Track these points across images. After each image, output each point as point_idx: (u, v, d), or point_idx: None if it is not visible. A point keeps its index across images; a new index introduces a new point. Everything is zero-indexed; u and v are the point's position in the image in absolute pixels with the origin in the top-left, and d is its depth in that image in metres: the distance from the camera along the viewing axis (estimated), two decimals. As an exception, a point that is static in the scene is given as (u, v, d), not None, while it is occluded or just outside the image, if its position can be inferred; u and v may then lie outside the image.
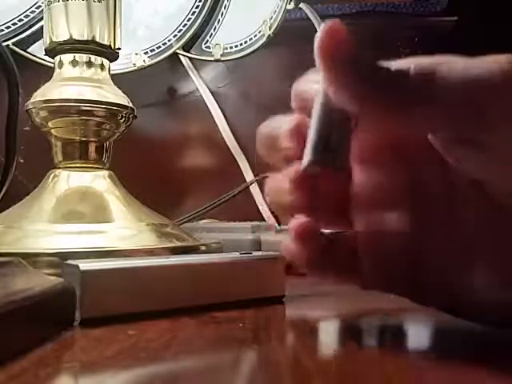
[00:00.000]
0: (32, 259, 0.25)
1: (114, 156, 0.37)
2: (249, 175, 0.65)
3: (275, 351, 0.18)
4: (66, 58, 0.35)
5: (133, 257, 0.27)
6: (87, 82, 0.34)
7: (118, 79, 0.38)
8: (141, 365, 0.16)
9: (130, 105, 0.36)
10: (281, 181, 0.19)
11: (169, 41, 0.55)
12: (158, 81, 0.65)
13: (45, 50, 0.35)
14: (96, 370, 0.16)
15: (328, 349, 0.19)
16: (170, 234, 0.34)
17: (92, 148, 0.35)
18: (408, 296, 0.20)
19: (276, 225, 0.49)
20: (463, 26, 0.62)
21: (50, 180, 0.34)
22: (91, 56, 0.35)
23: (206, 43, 0.57)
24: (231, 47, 0.57)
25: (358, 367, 0.16)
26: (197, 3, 0.55)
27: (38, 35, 0.49)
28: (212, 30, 0.57)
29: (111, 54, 0.36)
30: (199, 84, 0.67)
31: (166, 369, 0.16)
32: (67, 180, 0.34)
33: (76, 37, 0.34)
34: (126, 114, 0.35)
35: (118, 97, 0.35)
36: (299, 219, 0.18)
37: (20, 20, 0.49)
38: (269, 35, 0.55)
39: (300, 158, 0.18)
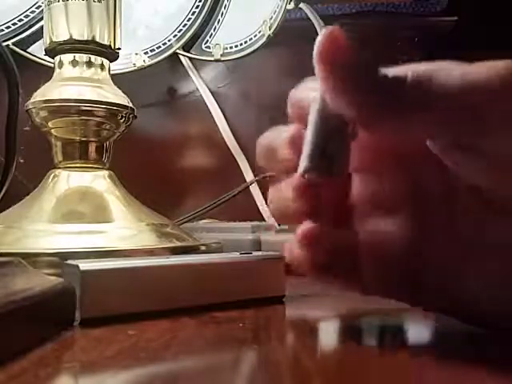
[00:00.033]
0: (32, 259, 0.25)
1: (114, 156, 0.37)
2: (249, 175, 0.65)
3: (275, 351, 0.18)
4: (66, 57, 0.35)
5: (133, 257, 0.27)
6: (87, 81, 0.34)
7: (118, 79, 0.38)
8: (141, 365, 0.16)
9: (130, 105, 0.36)
10: (283, 189, 0.19)
11: (169, 41, 0.55)
12: (158, 81, 0.65)
13: (45, 50, 0.35)
14: (96, 370, 0.16)
15: (328, 349, 0.19)
16: (170, 234, 0.34)
17: (92, 148, 0.35)
18: (408, 301, 0.20)
19: (276, 225, 0.49)
20: (463, 25, 0.62)
21: (49, 180, 0.34)
22: (91, 56, 0.35)
23: (206, 43, 0.57)
24: (231, 47, 0.57)
25: (358, 367, 0.16)
26: (197, 3, 0.55)
27: (38, 35, 0.49)
28: (212, 30, 0.57)
29: (111, 53, 0.36)
30: (199, 84, 0.67)
31: (165, 369, 0.16)
32: (67, 180, 0.34)
33: (76, 37, 0.34)
34: (126, 114, 0.35)
35: (118, 97, 0.35)
36: (306, 225, 0.18)
37: (20, 20, 0.49)
38: (269, 35, 0.55)
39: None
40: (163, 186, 0.65)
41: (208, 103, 0.67)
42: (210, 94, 0.67)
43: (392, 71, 0.16)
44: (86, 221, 0.32)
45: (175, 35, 0.55)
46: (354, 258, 0.19)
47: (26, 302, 0.17)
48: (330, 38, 0.16)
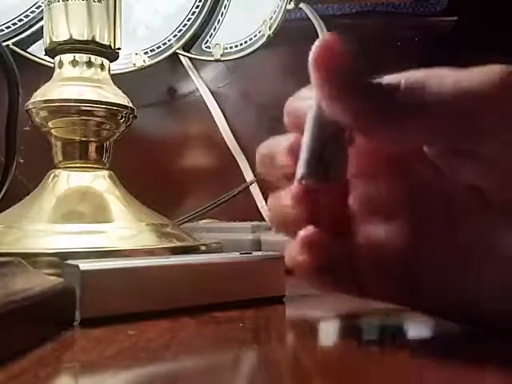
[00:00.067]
0: (32, 259, 0.25)
1: (114, 156, 0.37)
2: (249, 175, 0.65)
3: (275, 351, 0.18)
4: (66, 58, 0.35)
5: (133, 257, 0.27)
6: (87, 81, 0.34)
7: (118, 79, 0.38)
8: (141, 365, 0.16)
9: (130, 105, 0.36)
10: (282, 197, 0.19)
11: (169, 41, 0.55)
12: (158, 81, 0.65)
13: (45, 50, 0.35)
14: (96, 369, 0.16)
15: (328, 349, 0.19)
16: (170, 234, 0.34)
17: (92, 148, 0.35)
18: (408, 305, 0.20)
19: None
20: (463, 25, 0.62)
21: (49, 180, 0.34)
22: (91, 56, 0.35)
23: (206, 43, 0.57)
24: (231, 47, 0.57)
25: (358, 367, 0.16)
26: (197, 3, 0.55)
27: (38, 35, 0.49)
28: (212, 30, 0.57)
29: (111, 53, 0.36)
30: (199, 84, 0.67)
31: (165, 369, 0.16)
32: (67, 180, 0.34)
33: (76, 37, 0.34)
34: (126, 114, 0.35)
35: (118, 97, 0.35)
36: (307, 230, 0.18)
37: (20, 20, 0.49)
38: (269, 35, 0.55)
39: None
40: (163, 186, 0.65)
41: (208, 103, 0.67)
42: (209, 93, 0.67)
43: (386, 79, 0.16)
44: (86, 221, 0.32)
45: (175, 35, 0.55)
46: (354, 264, 0.19)
47: (26, 302, 0.17)
48: (326, 45, 0.16)
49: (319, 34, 0.48)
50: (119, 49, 0.36)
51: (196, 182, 0.67)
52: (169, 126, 0.69)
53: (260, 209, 0.63)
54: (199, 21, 0.55)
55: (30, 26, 0.49)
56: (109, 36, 0.35)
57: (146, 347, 0.18)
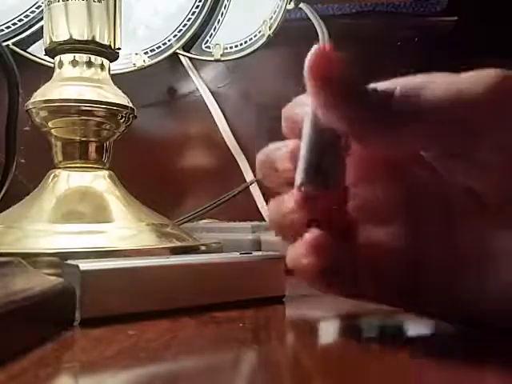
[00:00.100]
0: (32, 259, 0.25)
1: (114, 156, 0.37)
2: (249, 175, 0.65)
3: (275, 351, 0.18)
4: (66, 57, 0.35)
5: (133, 257, 0.27)
6: (87, 81, 0.34)
7: (118, 79, 0.38)
8: (141, 365, 0.16)
9: (130, 105, 0.36)
10: (282, 202, 0.19)
11: (169, 41, 0.55)
12: (158, 81, 0.65)
13: (45, 50, 0.35)
14: (96, 369, 0.16)
15: (328, 349, 0.19)
16: (170, 234, 0.34)
17: (92, 148, 0.35)
18: (408, 308, 0.20)
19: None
20: (463, 25, 0.62)
21: (49, 180, 0.34)
22: (91, 56, 0.35)
23: (206, 43, 0.57)
24: (231, 47, 0.57)
25: (358, 367, 0.16)
26: (197, 3, 0.55)
27: (38, 35, 0.49)
28: (212, 30, 0.57)
29: (111, 53, 0.36)
30: (199, 84, 0.67)
31: (165, 369, 0.16)
32: (67, 180, 0.34)
33: (76, 37, 0.34)
34: (126, 114, 0.35)
35: (118, 97, 0.35)
36: (313, 233, 0.18)
37: (20, 20, 0.49)
38: (269, 35, 0.55)
39: None
40: (163, 186, 0.65)
41: (208, 103, 0.67)
42: (209, 93, 0.67)
43: (381, 86, 0.17)
44: (86, 221, 0.32)
45: (175, 35, 0.55)
46: (355, 267, 0.19)
47: (26, 302, 0.17)
48: (321, 53, 0.16)
49: (319, 34, 0.48)
50: (119, 49, 0.36)
51: (196, 181, 0.67)
52: (169, 126, 0.69)
53: (260, 209, 0.63)
54: (199, 21, 0.55)
55: (30, 26, 0.49)
56: (109, 36, 0.35)
57: (146, 347, 0.18)
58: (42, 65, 0.49)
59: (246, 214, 0.56)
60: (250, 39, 0.56)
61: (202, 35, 0.57)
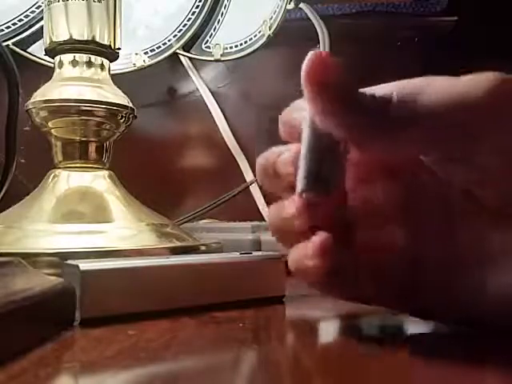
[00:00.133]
0: (32, 259, 0.25)
1: (114, 156, 0.37)
2: (249, 175, 0.65)
3: (275, 351, 0.18)
4: (66, 58, 0.35)
5: (133, 257, 0.27)
6: (87, 81, 0.34)
7: (118, 79, 0.38)
8: (141, 365, 0.16)
9: (130, 105, 0.36)
10: (283, 207, 0.19)
11: (169, 41, 0.55)
12: (158, 81, 0.65)
13: (45, 50, 0.35)
14: (96, 369, 0.16)
15: (328, 349, 0.19)
16: (170, 234, 0.34)
17: (92, 148, 0.35)
18: (408, 311, 0.20)
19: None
20: (463, 25, 0.62)
21: (50, 180, 0.34)
22: (91, 56, 0.35)
23: (206, 43, 0.57)
24: (231, 47, 0.57)
25: (358, 367, 0.16)
26: (197, 3, 0.55)
27: (38, 35, 0.49)
28: (212, 30, 0.57)
29: (111, 53, 0.36)
30: (199, 84, 0.67)
31: (165, 369, 0.16)
32: (67, 180, 0.34)
33: (76, 37, 0.34)
34: (126, 114, 0.35)
35: (118, 97, 0.35)
36: (321, 235, 0.18)
37: (20, 20, 0.49)
38: (269, 35, 0.55)
39: None
40: (163, 186, 0.65)
41: (208, 103, 0.67)
42: (209, 93, 0.67)
43: (378, 92, 0.16)
44: (86, 221, 0.32)
45: (175, 35, 0.55)
46: (356, 270, 0.19)
47: (26, 302, 0.17)
48: (318, 59, 0.16)
49: (319, 34, 0.48)
50: (119, 49, 0.36)
51: (196, 181, 0.67)
52: (169, 126, 0.69)
53: (260, 209, 0.63)
54: (199, 21, 0.55)
55: (30, 26, 0.49)
56: (109, 36, 0.35)
57: (146, 347, 0.18)
58: (42, 65, 0.49)
59: (246, 214, 0.56)
60: (250, 39, 0.56)
61: (202, 35, 0.57)
